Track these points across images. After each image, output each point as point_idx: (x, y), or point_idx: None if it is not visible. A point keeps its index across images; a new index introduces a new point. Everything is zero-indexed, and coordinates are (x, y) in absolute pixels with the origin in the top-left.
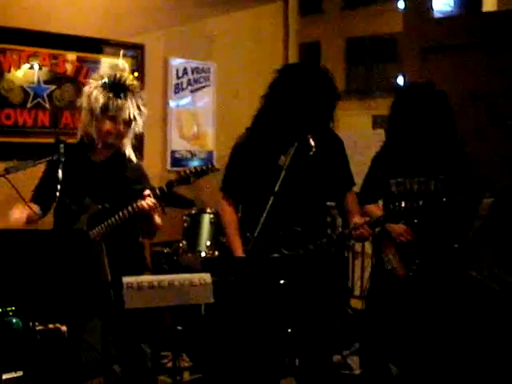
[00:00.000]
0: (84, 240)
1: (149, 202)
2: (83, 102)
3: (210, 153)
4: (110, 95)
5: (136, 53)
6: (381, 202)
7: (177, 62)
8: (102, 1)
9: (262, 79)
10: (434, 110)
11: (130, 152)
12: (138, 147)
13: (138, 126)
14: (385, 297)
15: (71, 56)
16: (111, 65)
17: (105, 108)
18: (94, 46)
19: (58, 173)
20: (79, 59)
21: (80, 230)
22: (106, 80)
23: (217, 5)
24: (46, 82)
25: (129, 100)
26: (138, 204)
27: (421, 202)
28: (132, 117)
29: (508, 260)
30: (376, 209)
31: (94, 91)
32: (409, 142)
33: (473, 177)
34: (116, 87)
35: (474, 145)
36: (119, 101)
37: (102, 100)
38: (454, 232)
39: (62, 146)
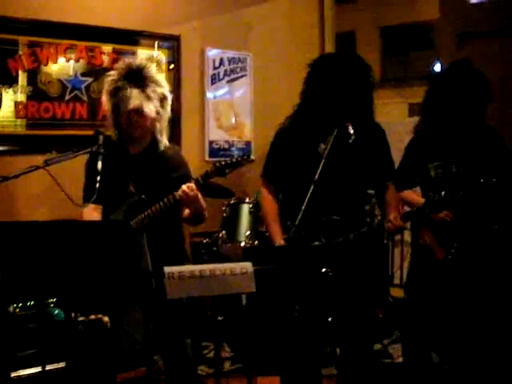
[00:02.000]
0: (125, 230)
1: (185, 189)
2: (104, 97)
3: (248, 143)
4: (128, 89)
5: (172, 44)
6: (418, 189)
7: (213, 53)
8: None
9: (298, 68)
10: (471, 89)
11: (165, 140)
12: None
13: (166, 114)
14: (425, 284)
15: (107, 48)
16: (147, 56)
17: (121, 95)
18: (130, 37)
19: (97, 165)
20: (115, 51)
21: (121, 221)
22: (124, 72)
23: None
24: (83, 75)
25: (148, 91)
26: (176, 194)
27: (461, 193)
28: (154, 109)
29: None
30: (413, 195)
31: (112, 86)
32: (444, 125)
33: (507, 156)
34: (135, 78)
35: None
36: (135, 88)
37: (115, 85)
38: (493, 213)
39: (101, 137)
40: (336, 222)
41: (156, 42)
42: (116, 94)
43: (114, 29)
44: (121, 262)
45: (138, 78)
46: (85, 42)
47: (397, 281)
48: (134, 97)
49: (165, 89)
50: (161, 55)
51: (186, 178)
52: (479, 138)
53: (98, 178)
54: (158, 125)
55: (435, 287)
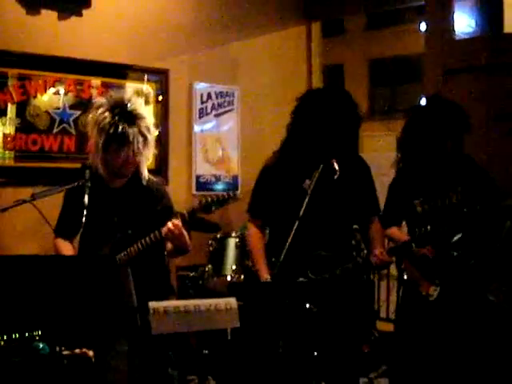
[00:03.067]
0: (110, 265)
1: (171, 226)
2: (89, 131)
3: (235, 177)
4: (113, 127)
5: (160, 78)
6: (404, 224)
7: (201, 87)
8: (126, 27)
9: (285, 102)
10: (447, 120)
11: (146, 173)
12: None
13: (150, 148)
14: (413, 319)
15: (96, 81)
16: (135, 89)
17: (110, 140)
18: (119, 71)
19: (84, 198)
20: (104, 84)
21: (107, 256)
22: (109, 107)
23: (240, 29)
24: (71, 108)
25: (134, 128)
26: (162, 230)
27: (445, 227)
28: (139, 145)
29: None
30: (398, 232)
31: (98, 121)
32: (423, 159)
33: (489, 185)
34: (125, 115)
35: (495, 165)
36: (125, 130)
37: (105, 134)
38: (474, 245)
39: (87, 171)
40: (324, 257)
41: (145, 76)
42: (108, 132)
43: (103, 62)
44: (106, 297)
45: (127, 114)
46: (73, 75)
47: (383, 314)
48: (133, 139)
49: (151, 124)
50: (149, 89)
51: (170, 210)
52: (460, 168)
53: (85, 212)
54: (142, 159)
55: (423, 322)
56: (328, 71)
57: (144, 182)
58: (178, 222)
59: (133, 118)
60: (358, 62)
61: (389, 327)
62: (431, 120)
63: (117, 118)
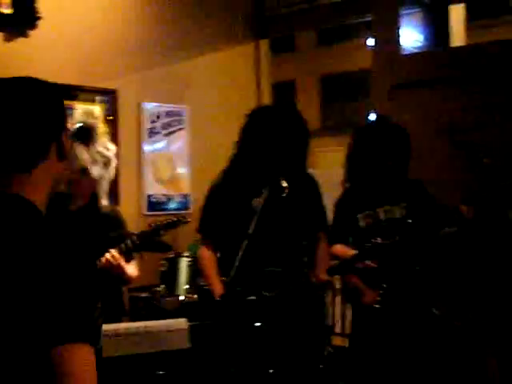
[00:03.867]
0: None
1: (109, 257)
2: None
3: (186, 196)
4: (77, 148)
5: (109, 98)
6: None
7: (150, 106)
8: (73, 47)
9: (235, 120)
10: (392, 142)
11: (103, 200)
12: (114, 191)
13: (108, 175)
14: (367, 333)
15: None
16: (85, 111)
17: (72, 162)
18: (67, 92)
19: None
20: None
21: None
22: (74, 130)
23: (188, 48)
24: None
25: (95, 153)
26: (98, 263)
27: (391, 239)
28: (98, 172)
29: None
30: (344, 249)
31: None
32: (369, 176)
33: (432, 202)
34: (84, 137)
35: (443, 178)
36: (82, 145)
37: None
38: (417, 254)
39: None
40: (275, 274)
41: (94, 97)
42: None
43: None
44: None
45: (86, 137)
46: None
47: (338, 330)
48: (82, 157)
49: (110, 151)
50: (98, 109)
51: (124, 239)
52: (405, 186)
53: None
54: (99, 185)
55: (377, 336)
56: (279, 88)
57: (100, 207)
58: (115, 253)
59: (92, 141)
60: (310, 78)
61: (344, 342)
62: (373, 142)
63: (75, 138)
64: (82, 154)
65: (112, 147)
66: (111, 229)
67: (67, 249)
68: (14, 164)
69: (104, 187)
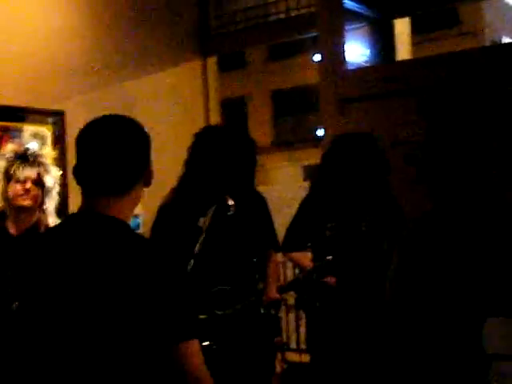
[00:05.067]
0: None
1: None
2: None
3: (136, 216)
4: (17, 162)
5: (57, 119)
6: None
7: None
8: (20, 69)
9: (184, 139)
10: (364, 155)
11: (52, 221)
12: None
13: (53, 200)
14: (324, 345)
15: None
16: (34, 132)
17: (12, 172)
18: (16, 114)
19: None
20: (2, 128)
21: None
22: (11, 153)
23: (135, 67)
24: None
25: (36, 166)
26: None
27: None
28: (41, 179)
29: None
30: (302, 257)
31: (6, 165)
32: (338, 188)
33: (398, 218)
34: (22, 157)
35: (393, 191)
36: (26, 165)
37: (8, 167)
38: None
39: None
40: (226, 292)
41: (42, 119)
42: (8, 170)
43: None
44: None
45: (30, 159)
46: None
47: (293, 345)
48: (30, 168)
49: (55, 176)
50: (46, 131)
51: None
52: (374, 200)
53: None
54: (44, 207)
55: (333, 347)
56: (230, 104)
57: (42, 230)
58: None
59: (33, 161)
60: (261, 94)
61: (299, 358)
62: (345, 153)
63: (18, 161)
64: (25, 173)
65: (55, 173)
66: None
67: (167, 262)
68: (115, 188)
69: (50, 209)
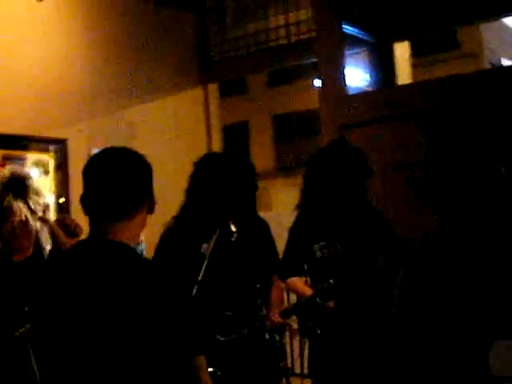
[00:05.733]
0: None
1: None
2: None
3: (139, 244)
4: (12, 201)
5: (59, 147)
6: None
7: None
8: (22, 97)
9: (186, 164)
10: (347, 164)
11: (48, 248)
12: None
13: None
14: (326, 370)
15: None
16: (36, 160)
17: (10, 215)
18: (18, 142)
19: None
20: (4, 157)
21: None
22: (6, 182)
23: (136, 94)
24: None
25: (31, 204)
26: None
27: (348, 279)
28: (23, 217)
29: None
30: (298, 283)
31: None
32: (325, 205)
33: (387, 234)
34: (18, 190)
35: (393, 214)
36: (23, 207)
37: (5, 207)
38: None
39: None
40: (229, 318)
41: (44, 146)
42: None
43: (1, 134)
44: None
45: (20, 188)
46: None
47: (297, 370)
48: (19, 210)
49: (45, 197)
50: (48, 159)
51: None
52: (361, 215)
53: None
54: (42, 233)
55: (335, 371)
56: (232, 129)
57: (45, 257)
58: None
59: (27, 193)
60: (262, 119)
61: (304, 383)
62: (331, 164)
63: (10, 192)
64: (18, 206)
65: (45, 194)
66: None
67: (171, 283)
68: (118, 214)
69: (46, 236)
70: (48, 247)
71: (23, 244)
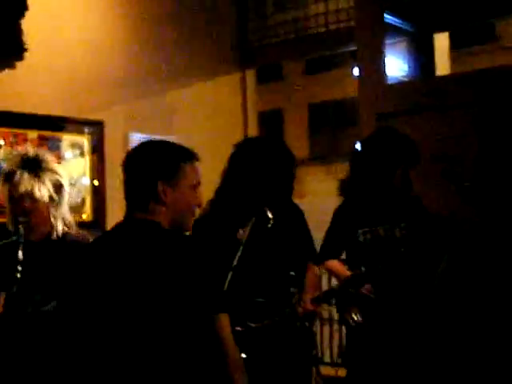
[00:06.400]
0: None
1: None
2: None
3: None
4: (20, 174)
5: (95, 129)
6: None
7: (137, 137)
8: (60, 79)
9: (223, 150)
10: (400, 152)
11: (60, 227)
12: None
13: (63, 200)
14: (364, 359)
15: (32, 134)
16: (72, 142)
17: (16, 187)
18: (55, 124)
19: (18, 254)
20: (40, 137)
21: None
22: (19, 159)
23: (174, 79)
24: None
25: (42, 176)
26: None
27: (379, 266)
28: (47, 194)
29: None
30: (338, 265)
31: (5, 172)
32: (373, 190)
33: (431, 222)
34: (30, 165)
35: (432, 206)
36: (30, 178)
37: (13, 180)
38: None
39: (21, 226)
40: (262, 304)
41: (80, 128)
42: (9, 179)
43: (38, 115)
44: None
45: (32, 165)
46: (9, 128)
47: (327, 359)
48: (26, 181)
49: (60, 177)
50: (84, 141)
51: None
52: (406, 204)
53: (20, 268)
54: (52, 211)
55: (373, 361)
56: (267, 116)
57: (55, 236)
58: None
59: (38, 168)
60: (298, 107)
61: (333, 372)
62: (382, 147)
63: (20, 167)
64: (26, 178)
65: (62, 173)
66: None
67: (202, 250)
68: (158, 201)
69: (59, 212)
70: (60, 227)
71: (33, 221)
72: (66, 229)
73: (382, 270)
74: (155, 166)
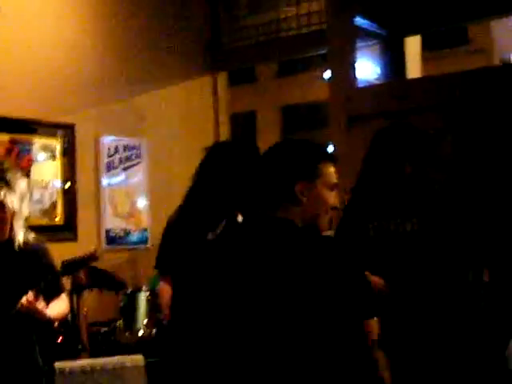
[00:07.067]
0: None
1: (23, 301)
2: None
3: (145, 230)
4: None
5: (66, 132)
6: None
7: (108, 140)
8: (31, 82)
9: (194, 153)
10: (409, 146)
11: (22, 237)
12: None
13: (24, 211)
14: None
15: (3, 137)
16: (44, 145)
17: None
18: (26, 127)
19: None
20: (12, 141)
21: None
22: None
23: (146, 81)
24: None
25: (11, 185)
26: (16, 305)
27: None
28: (10, 204)
29: None
30: None
31: None
32: (383, 184)
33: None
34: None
35: None
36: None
37: None
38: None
39: None
40: None
41: (52, 131)
42: None
43: (9, 118)
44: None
45: (2, 173)
46: None
47: None
48: None
49: (24, 186)
50: (55, 143)
51: (49, 271)
52: (418, 197)
53: None
54: (14, 220)
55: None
56: (240, 118)
57: (16, 244)
58: (30, 296)
59: (6, 176)
60: (271, 109)
61: None
62: (392, 142)
63: None
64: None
65: (24, 182)
66: (32, 265)
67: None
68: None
69: (20, 222)
70: (21, 235)
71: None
72: (26, 236)
73: (396, 265)
74: (294, 166)
